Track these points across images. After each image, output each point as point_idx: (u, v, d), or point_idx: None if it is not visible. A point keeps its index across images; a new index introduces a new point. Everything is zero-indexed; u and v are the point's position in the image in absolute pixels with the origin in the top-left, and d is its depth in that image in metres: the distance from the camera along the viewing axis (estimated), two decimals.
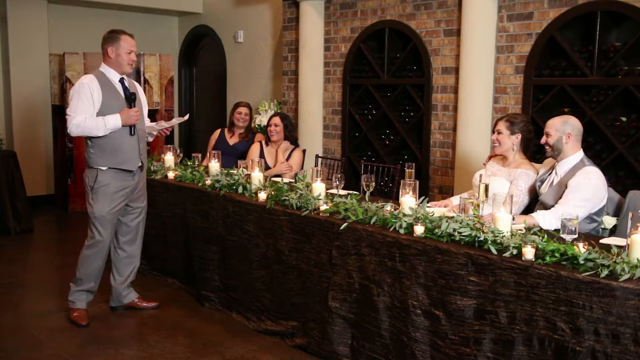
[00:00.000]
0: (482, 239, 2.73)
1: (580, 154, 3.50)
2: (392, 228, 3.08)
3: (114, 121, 3.80)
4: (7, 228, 6.22)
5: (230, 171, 4.30)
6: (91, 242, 3.91)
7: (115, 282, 4.15)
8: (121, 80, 3.95)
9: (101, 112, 3.82)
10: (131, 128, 3.89)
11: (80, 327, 3.87)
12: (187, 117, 4.48)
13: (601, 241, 2.88)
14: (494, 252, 2.65)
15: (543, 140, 3.54)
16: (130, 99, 3.90)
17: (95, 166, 3.87)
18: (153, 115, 7.95)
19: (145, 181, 4.19)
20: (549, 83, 4.88)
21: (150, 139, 4.30)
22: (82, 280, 3.95)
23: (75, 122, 3.77)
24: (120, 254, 4.12)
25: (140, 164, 4.00)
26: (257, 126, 6.71)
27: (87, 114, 3.79)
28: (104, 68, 3.92)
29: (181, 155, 5.02)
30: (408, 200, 3.20)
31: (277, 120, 5.14)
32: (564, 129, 3.47)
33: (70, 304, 3.98)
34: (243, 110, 5.53)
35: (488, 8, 5.09)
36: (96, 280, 3.99)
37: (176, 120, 4.30)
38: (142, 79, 7.43)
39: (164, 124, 4.23)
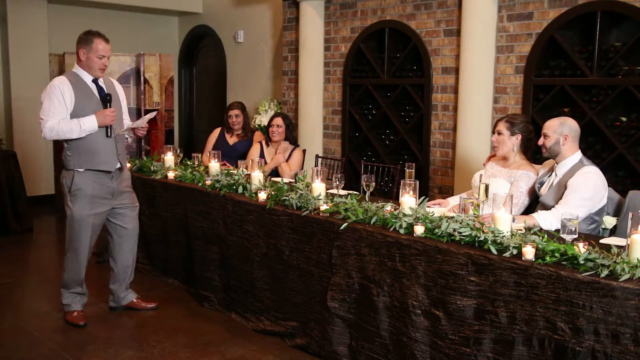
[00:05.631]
0: (482, 239, 2.73)
1: (578, 155, 3.51)
2: (392, 228, 3.08)
3: (90, 123, 3.69)
4: (7, 228, 6.22)
5: (230, 171, 4.30)
6: (70, 246, 3.87)
7: (114, 284, 4.15)
8: (94, 81, 3.83)
9: (75, 114, 3.72)
10: (107, 129, 3.78)
11: (79, 328, 3.86)
12: (155, 113, 4.27)
13: (601, 241, 2.88)
14: (494, 252, 2.65)
15: (540, 141, 3.55)
16: (106, 99, 3.79)
17: (72, 168, 3.78)
18: None
19: (130, 182, 4.11)
20: (549, 83, 4.88)
21: (130, 140, 4.16)
22: (69, 285, 3.94)
23: (48, 126, 3.66)
24: (116, 256, 4.09)
25: (118, 166, 3.90)
26: (257, 126, 6.70)
27: (60, 117, 3.68)
28: (77, 69, 3.82)
29: (181, 155, 5.02)
30: (408, 200, 3.20)
31: (279, 121, 5.15)
32: (561, 131, 3.48)
33: (65, 307, 3.97)
34: (233, 113, 5.50)
35: (488, 8, 5.09)
36: (81, 283, 3.95)
37: (147, 117, 4.07)
38: (142, 79, 7.43)
39: (138, 122, 4.01)
